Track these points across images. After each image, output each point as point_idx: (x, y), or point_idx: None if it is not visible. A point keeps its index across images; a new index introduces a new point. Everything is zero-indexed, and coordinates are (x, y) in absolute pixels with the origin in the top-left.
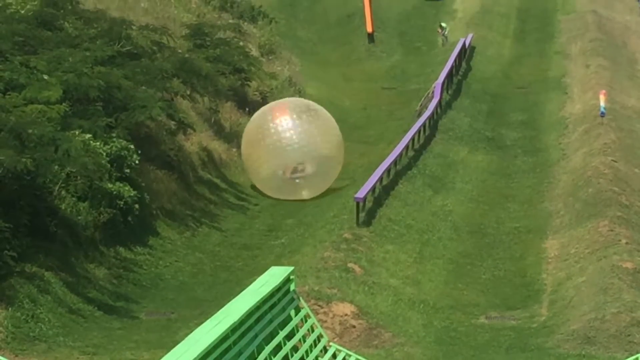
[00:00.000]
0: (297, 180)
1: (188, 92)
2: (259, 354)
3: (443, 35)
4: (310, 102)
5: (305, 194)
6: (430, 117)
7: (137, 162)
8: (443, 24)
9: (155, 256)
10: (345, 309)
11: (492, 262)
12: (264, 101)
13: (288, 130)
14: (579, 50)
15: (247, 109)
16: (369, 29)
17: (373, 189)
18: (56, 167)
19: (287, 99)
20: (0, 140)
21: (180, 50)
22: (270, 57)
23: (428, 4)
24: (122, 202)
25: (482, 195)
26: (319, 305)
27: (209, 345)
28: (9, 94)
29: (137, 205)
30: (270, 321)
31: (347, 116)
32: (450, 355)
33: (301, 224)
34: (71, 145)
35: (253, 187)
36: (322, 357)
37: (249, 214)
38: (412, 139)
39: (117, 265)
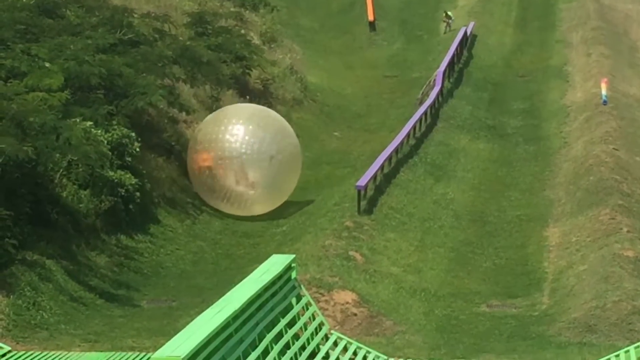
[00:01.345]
0: (250, 192)
1: (189, 79)
2: (260, 341)
3: (448, 24)
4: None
5: (258, 209)
6: (432, 106)
7: (138, 150)
8: (449, 13)
9: (156, 244)
10: (346, 297)
11: (494, 251)
12: (265, 89)
13: (240, 137)
14: (580, 39)
15: (248, 97)
16: (371, 18)
17: (374, 177)
18: (57, 155)
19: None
20: (2, 128)
21: (181, 38)
22: (271, 46)
23: None
24: (123, 190)
25: (483, 183)
26: (320, 293)
27: (210, 333)
28: (11, 82)
29: (138, 193)
30: (272, 309)
31: (349, 104)
32: (452, 343)
33: (302, 212)
34: (72, 133)
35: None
36: (323, 345)
37: None
38: (414, 127)
39: (118, 253)
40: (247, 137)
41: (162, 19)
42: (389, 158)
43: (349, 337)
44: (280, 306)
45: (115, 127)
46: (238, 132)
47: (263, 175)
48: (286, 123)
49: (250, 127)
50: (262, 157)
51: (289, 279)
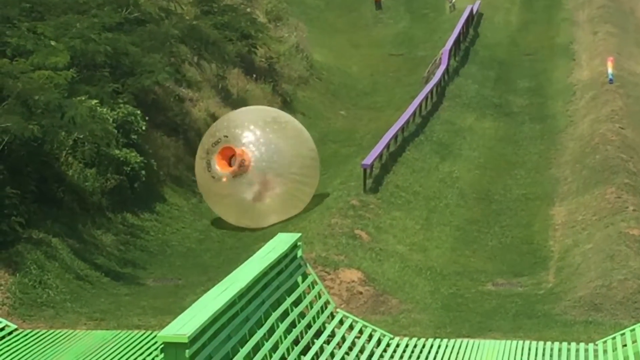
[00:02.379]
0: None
1: (195, 59)
2: (266, 320)
3: (452, 3)
4: (275, 112)
5: (273, 219)
6: (438, 84)
7: (144, 128)
8: None
9: (162, 222)
10: (352, 275)
11: (499, 229)
12: (271, 67)
13: (253, 144)
14: (586, 17)
15: (254, 76)
16: None
17: (380, 155)
18: (63, 133)
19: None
20: (8, 107)
21: (187, 17)
22: (277, 24)
23: None
24: (129, 169)
25: (489, 162)
26: (326, 272)
27: (216, 311)
28: (16, 60)
29: (143, 172)
30: (278, 287)
31: (355, 83)
32: (457, 321)
33: None
34: (77, 112)
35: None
36: (329, 323)
37: None
38: (420, 105)
39: (124, 232)
40: (261, 144)
41: None
42: (395, 136)
43: (354, 315)
44: (286, 285)
45: (122, 105)
46: (250, 138)
47: (280, 185)
48: (302, 127)
49: (265, 132)
50: (279, 166)
51: (295, 257)
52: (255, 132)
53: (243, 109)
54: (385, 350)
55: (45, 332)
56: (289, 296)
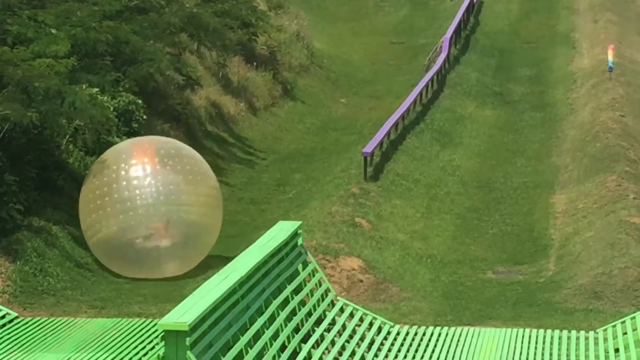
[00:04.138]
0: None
1: (195, 46)
2: (266, 308)
3: None
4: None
5: (170, 268)
6: (438, 72)
7: (144, 116)
8: None
9: None
10: (352, 263)
11: (500, 217)
12: (272, 55)
13: (144, 180)
14: (587, 5)
15: (254, 64)
16: None
17: (381, 143)
18: (63, 120)
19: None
20: (8, 94)
21: (188, 5)
22: (278, 12)
23: None
24: None
25: (489, 150)
26: (326, 260)
27: (217, 299)
28: (17, 48)
29: None
30: (278, 275)
31: (355, 71)
32: (458, 309)
33: (309, 179)
34: (77, 97)
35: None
36: (330, 311)
37: (256, 168)
38: (420, 93)
39: None
40: (150, 181)
41: None
42: (395, 124)
43: (355, 303)
44: (286, 273)
45: (122, 93)
46: (139, 175)
47: (173, 228)
48: (201, 159)
49: (158, 168)
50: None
51: (295, 245)
52: (147, 167)
53: (134, 139)
54: (385, 338)
55: (46, 320)
56: (289, 284)
